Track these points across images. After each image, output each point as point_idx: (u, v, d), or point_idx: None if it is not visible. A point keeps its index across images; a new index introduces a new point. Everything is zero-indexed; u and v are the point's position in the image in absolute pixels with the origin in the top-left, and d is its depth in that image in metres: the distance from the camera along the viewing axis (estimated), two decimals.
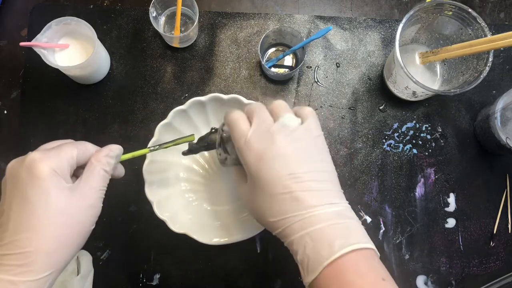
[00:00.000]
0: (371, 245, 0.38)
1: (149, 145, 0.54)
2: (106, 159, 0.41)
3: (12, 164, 0.38)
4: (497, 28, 0.67)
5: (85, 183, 0.39)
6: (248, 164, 0.40)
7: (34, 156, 0.37)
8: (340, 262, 0.35)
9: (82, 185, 0.39)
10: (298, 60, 0.65)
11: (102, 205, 0.40)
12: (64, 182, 0.38)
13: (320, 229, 0.37)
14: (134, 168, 0.61)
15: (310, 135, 0.41)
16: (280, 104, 0.43)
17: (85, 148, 0.41)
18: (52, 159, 0.37)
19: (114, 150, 0.42)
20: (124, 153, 0.45)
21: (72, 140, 0.42)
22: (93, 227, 0.40)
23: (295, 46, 0.61)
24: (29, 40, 0.57)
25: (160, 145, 0.49)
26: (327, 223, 0.37)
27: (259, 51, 0.61)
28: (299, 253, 0.37)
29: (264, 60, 0.64)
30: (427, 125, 0.65)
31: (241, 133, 0.41)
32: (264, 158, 0.39)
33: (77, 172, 0.42)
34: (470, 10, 0.55)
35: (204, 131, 0.60)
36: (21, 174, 0.37)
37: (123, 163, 0.46)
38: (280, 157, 0.39)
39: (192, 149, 0.56)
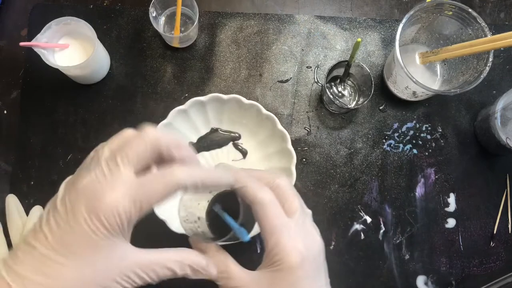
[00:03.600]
0: None
1: None
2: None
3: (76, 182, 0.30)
4: (497, 28, 0.67)
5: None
6: (286, 264, 0.32)
7: (108, 194, 0.28)
8: None
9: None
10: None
11: None
12: (120, 240, 0.30)
13: None
14: None
15: None
16: (291, 187, 0.36)
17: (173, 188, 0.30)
18: (123, 209, 0.29)
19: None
20: None
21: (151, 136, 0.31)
22: None
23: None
24: (29, 40, 0.57)
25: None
26: None
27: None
28: None
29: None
30: (427, 125, 0.65)
31: (279, 215, 0.33)
32: (307, 264, 0.33)
33: None
34: (470, 10, 0.55)
35: (204, 131, 0.60)
36: (87, 197, 0.29)
37: None
38: (319, 267, 0.34)
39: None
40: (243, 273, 0.34)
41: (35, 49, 0.56)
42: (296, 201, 0.35)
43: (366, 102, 0.60)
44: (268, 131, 0.58)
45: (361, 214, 0.62)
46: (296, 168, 0.56)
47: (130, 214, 0.29)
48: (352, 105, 0.63)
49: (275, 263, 0.33)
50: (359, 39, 0.51)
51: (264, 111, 0.56)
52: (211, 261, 0.34)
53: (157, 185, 0.29)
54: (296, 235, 0.33)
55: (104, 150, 0.30)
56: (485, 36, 0.55)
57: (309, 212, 0.36)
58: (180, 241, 0.54)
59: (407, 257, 0.61)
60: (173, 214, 0.55)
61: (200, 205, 0.37)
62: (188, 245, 0.55)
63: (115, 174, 0.29)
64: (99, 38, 0.58)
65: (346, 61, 0.59)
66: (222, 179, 0.32)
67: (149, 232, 0.60)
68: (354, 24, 0.67)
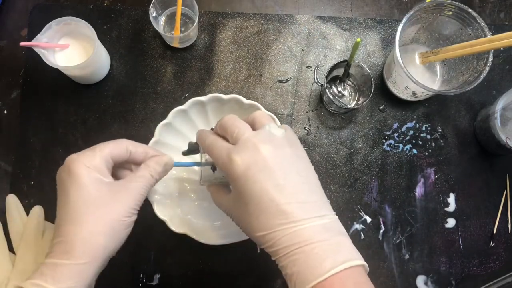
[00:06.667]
0: (360, 261, 0.37)
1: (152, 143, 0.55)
2: (154, 166, 0.43)
3: (60, 168, 0.42)
4: (497, 28, 0.67)
5: (126, 180, 0.42)
6: (233, 177, 0.39)
7: (70, 157, 0.41)
8: (329, 280, 0.35)
9: (123, 181, 0.42)
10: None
11: (141, 202, 0.42)
12: (100, 176, 0.40)
13: (309, 245, 0.36)
14: None
15: (292, 144, 0.41)
16: (262, 113, 0.43)
17: (120, 146, 0.43)
18: (84, 157, 0.41)
19: (164, 159, 0.45)
20: None
21: (121, 140, 0.44)
22: (130, 220, 0.41)
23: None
24: (29, 40, 0.57)
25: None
26: (316, 238, 0.36)
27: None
28: (288, 268, 0.37)
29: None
30: (427, 125, 0.65)
31: (222, 149, 0.41)
32: (250, 170, 0.38)
33: (122, 172, 0.46)
34: (470, 10, 0.55)
35: None
36: (62, 174, 0.41)
37: None
38: (266, 168, 0.38)
39: (192, 149, 0.56)
40: (224, 194, 0.45)
41: (35, 49, 0.56)
42: (235, 131, 0.41)
43: (366, 102, 0.60)
44: None
45: (361, 214, 0.62)
46: None
47: (107, 159, 0.42)
48: (352, 105, 0.63)
49: (228, 179, 0.41)
50: (359, 39, 0.51)
51: (264, 111, 0.56)
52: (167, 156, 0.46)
53: (117, 143, 0.43)
54: (235, 153, 0.39)
55: None
56: (485, 36, 0.55)
57: (266, 130, 0.41)
58: (180, 240, 0.54)
59: (407, 257, 0.61)
60: (173, 214, 0.55)
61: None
62: (187, 245, 0.55)
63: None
64: (99, 38, 0.58)
65: (346, 61, 0.59)
66: (147, 151, 0.45)
67: (150, 232, 0.60)
68: (354, 24, 0.67)
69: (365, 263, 0.38)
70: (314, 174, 0.42)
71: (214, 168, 0.48)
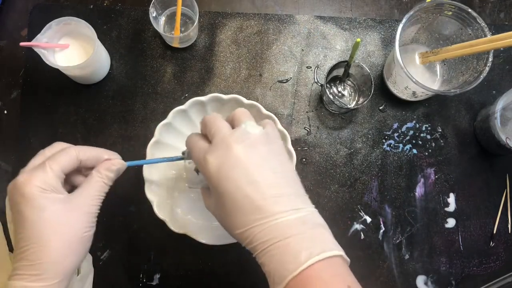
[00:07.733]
0: (337, 251, 0.37)
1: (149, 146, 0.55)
2: (106, 173, 0.42)
3: (9, 187, 0.40)
4: (497, 28, 0.67)
5: (81, 193, 0.41)
6: (208, 177, 0.40)
7: (19, 179, 0.39)
8: (305, 274, 0.35)
9: (77, 194, 0.41)
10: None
11: (98, 211, 0.42)
12: (56, 194, 0.39)
13: (284, 240, 0.36)
14: (134, 168, 0.61)
15: (269, 141, 0.41)
16: (242, 111, 0.43)
17: (70, 157, 0.41)
18: (36, 178, 0.39)
19: (116, 164, 0.43)
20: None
21: (62, 146, 0.43)
22: (91, 232, 0.41)
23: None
24: (29, 40, 0.57)
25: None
26: (292, 232, 0.36)
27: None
28: (266, 265, 0.37)
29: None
30: (427, 125, 0.65)
31: (199, 151, 0.41)
32: (222, 169, 0.39)
33: (74, 178, 0.44)
34: (470, 10, 0.55)
35: None
36: (15, 197, 0.39)
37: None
38: (238, 165, 0.38)
39: None
40: (209, 196, 0.43)
41: (35, 49, 0.56)
42: (212, 130, 0.41)
43: (366, 102, 0.60)
44: None
45: (361, 214, 0.62)
46: (296, 168, 0.56)
47: (59, 175, 0.40)
48: (352, 105, 0.63)
49: (206, 179, 0.41)
50: (359, 39, 0.51)
51: (264, 111, 0.56)
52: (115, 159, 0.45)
53: (67, 155, 0.41)
54: (209, 153, 0.40)
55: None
56: (485, 36, 0.55)
57: (241, 129, 0.41)
58: (180, 240, 0.54)
59: (407, 257, 0.61)
60: (173, 214, 0.55)
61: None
62: (187, 245, 0.55)
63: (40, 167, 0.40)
64: (99, 38, 0.58)
65: (346, 61, 0.59)
66: (99, 155, 0.43)
67: (150, 232, 0.60)
68: (354, 24, 0.67)
69: (343, 254, 0.37)
70: (292, 169, 0.41)
71: (197, 171, 0.49)
